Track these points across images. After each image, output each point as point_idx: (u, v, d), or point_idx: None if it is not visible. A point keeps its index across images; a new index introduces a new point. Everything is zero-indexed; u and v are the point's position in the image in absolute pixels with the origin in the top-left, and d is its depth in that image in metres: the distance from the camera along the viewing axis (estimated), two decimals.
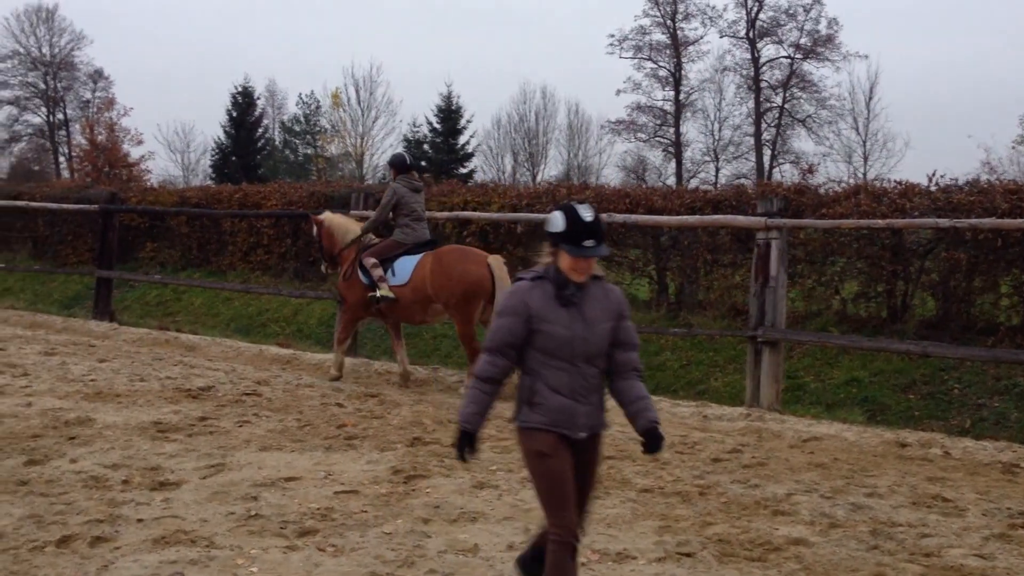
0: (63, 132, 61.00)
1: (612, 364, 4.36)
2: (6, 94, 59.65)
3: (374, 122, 51.99)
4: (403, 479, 6.76)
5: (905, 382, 10.83)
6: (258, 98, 56.13)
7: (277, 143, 59.53)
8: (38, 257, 21.90)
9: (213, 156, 54.22)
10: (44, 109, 60.64)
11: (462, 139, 50.73)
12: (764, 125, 54.07)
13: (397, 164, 11.31)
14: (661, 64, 55.63)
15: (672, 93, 55.15)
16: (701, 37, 56.30)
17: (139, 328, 15.41)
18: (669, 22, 55.25)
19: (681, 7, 54.96)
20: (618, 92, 56.41)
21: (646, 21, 55.38)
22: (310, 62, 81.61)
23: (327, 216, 11.67)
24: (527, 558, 4.64)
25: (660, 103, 55.64)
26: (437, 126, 50.04)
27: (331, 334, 13.82)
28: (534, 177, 52.23)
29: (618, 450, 7.64)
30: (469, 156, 51.27)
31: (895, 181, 12.63)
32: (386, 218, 11.04)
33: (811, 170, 20.67)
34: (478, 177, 47.94)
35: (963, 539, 5.84)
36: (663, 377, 11.97)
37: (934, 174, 12.23)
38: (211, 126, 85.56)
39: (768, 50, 54.22)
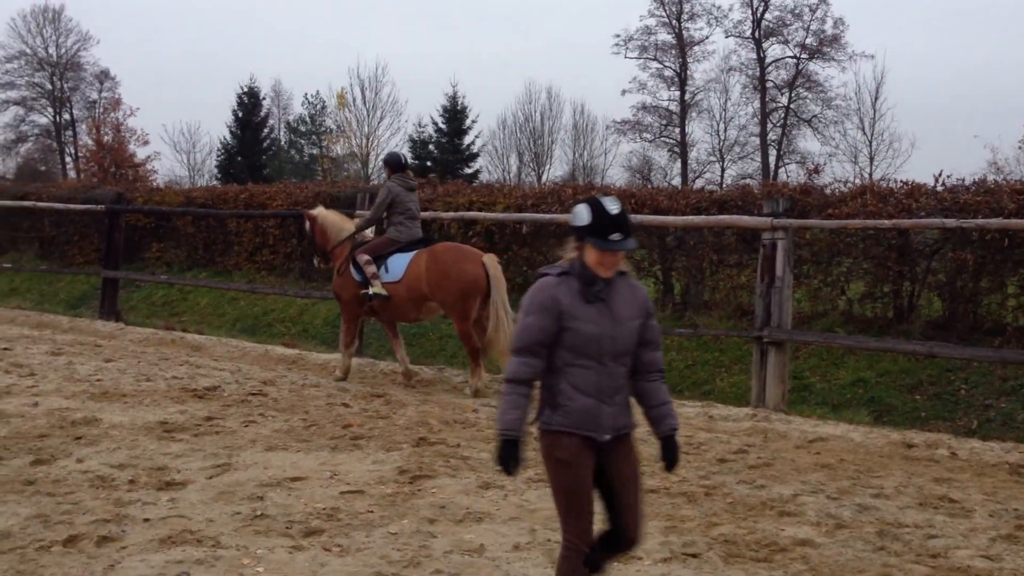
0: (69, 132, 61.11)
1: (637, 364, 4.21)
2: (13, 94, 59.81)
3: (379, 122, 52.00)
4: (409, 479, 6.76)
5: (911, 383, 10.82)
6: (264, 98, 56.14)
7: (283, 143, 59.55)
8: (45, 257, 21.94)
9: (219, 156, 54.25)
10: (50, 109, 60.77)
11: (467, 139, 50.72)
12: (770, 125, 54.00)
13: (392, 163, 11.36)
14: (666, 64, 55.61)
15: (677, 93, 55.11)
16: (706, 37, 56.12)
17: (145, 328, 15.43)
18: (674, 22, 55.21)
19: (686, 7, 54.94)
20: (623, 92, 56.43)
21: (651, 21, 55.38)
22: (316, 62, 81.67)
23: (320, 212, 11.72)
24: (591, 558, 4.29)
25: (665, 103, 55.62)
26: (442, 126, 50.02)
27: (336, 334, 13.82)
28: (539, 177, 52.22)
29: None
30: (474, 156, 51.27)
31: (901, 181, 12.62)
32: (381, 217, 11.07)
33: (817, 170, 20.59)
34: (483, 177, 47.96)
35: (970, 540, 5.83)
36: (669, 377, 11.80)
37: (940, 174, 12.23)
38: (217, 126, 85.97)
39: (774, 50, 54.20)
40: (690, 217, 12.39)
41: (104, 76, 60.78)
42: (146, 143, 55.15)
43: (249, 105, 53.83)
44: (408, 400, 9.89)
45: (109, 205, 17.17)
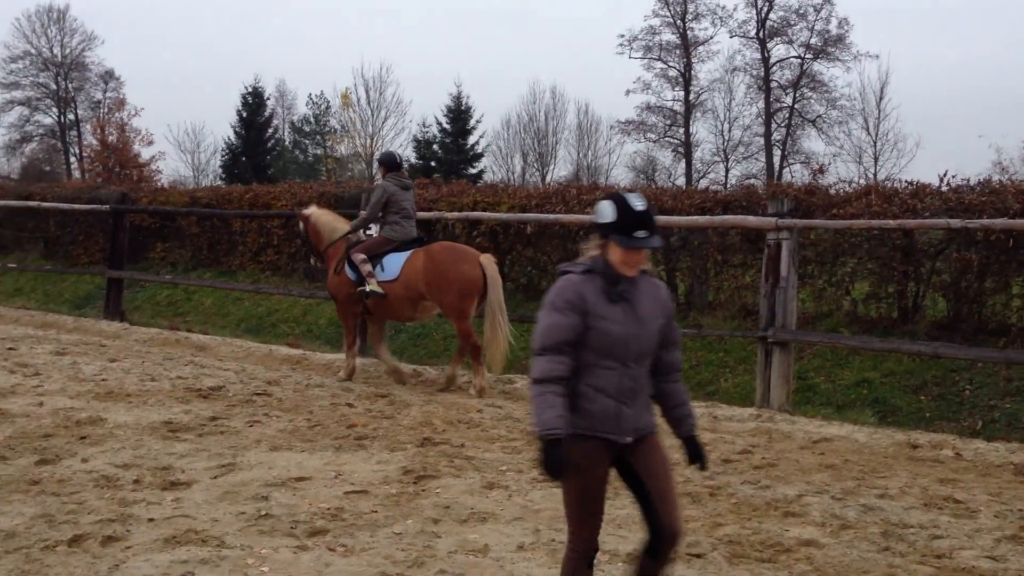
0: (74, 133, 61.24)
1: (658, 364, 4.12)
2: (17, 94, 59.95)
3: (384, 122, 52.10)
4: (413, 479, 6.76)
5: (916, 383, 10.80)
6: (268, 98, 56.25)
7: (287, 143, 59.64)
8: (49, 257, 21.95)
9: (223, 156, 54.34)
10: (55, 110, 60.86)
11: (472, 139, 50.78)
12: (774, 125, 54.00)
13: (387, 162, 11.45)
14: (671, 64, 55.62)
15: (682, 93, 55.11)
16: (711, 37, 56.16)
17: (150, 328, 15.44)
18: (679, 22, 55.21)
19: (691, 7, 54.93)
20: (628, 92, 56.52)
21: (656, 21, 55.38)
22: (320, 62, 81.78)
23: (313, 212, 11.77)
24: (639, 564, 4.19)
25: (670, 103, 55.63)
26: (447, 126, 50.07)
27: (341, 334, 13.84)
28: (543, 177, 52.24)
29: None
30: (479, 156, 51.31)
31: (906, 181, 12.59)
32: (377, 216, 11.09)
33: (822, 170, 20.62)
34: (487, 177, 47.97)
35: (975, 541, 5.82)
36: None
37: (945, 174, 12.20)
38: (221, 126, 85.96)
39: (778, 50, 54.20)
40: (694, 217, 12.38)
41: (109, 76, 60.95)
42: (150, 143, 55.35)
43: (253, 105, 53.91)
44: (412, 400, 9.89)
45: (113, 205, 17.19)
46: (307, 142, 59.65)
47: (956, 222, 9.87)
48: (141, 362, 11.51)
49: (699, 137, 55.81)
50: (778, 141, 54.00)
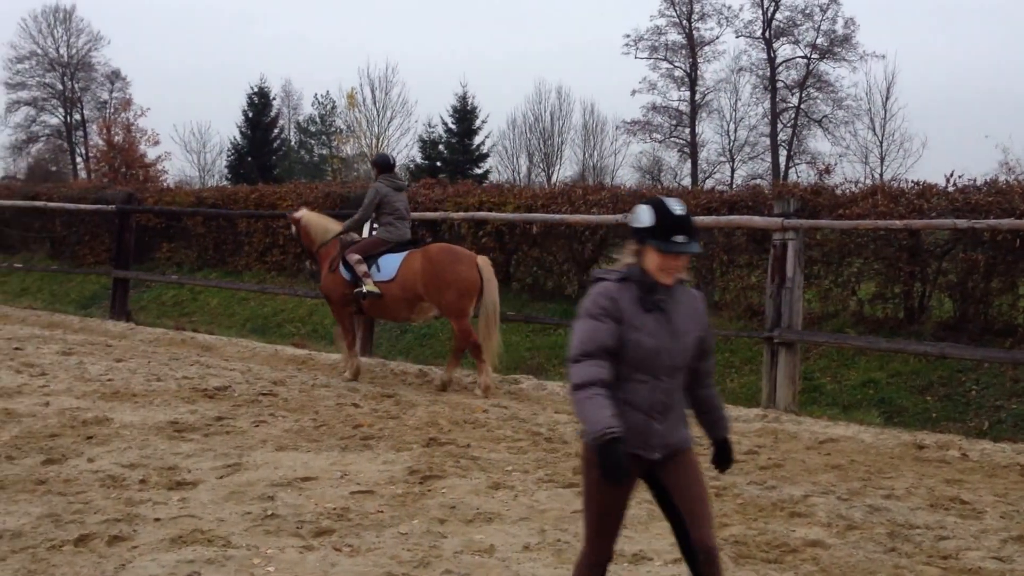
0: (80, 133, 61.35)
1: (693, 374, 3.97)
2: (24, 95, 60.10)
3: (389, 122, 52.11)
4: (419, 479, 6.76)
5: (922, 384, 10.79)
6: (274, 98, 56.33)
7: (293, 143, 59.69)
8: (56, 257, 22.00)
9: (229, 156, 54.42)
10: (61, 110, 61.03)
11: (477, 139, 50.80)
12: (780, 125, 54.00)
13: (381, 163, 11.52)
14: (677, 64, 55.69)
15: (688, 93, 55.17)
16: (717, 37, 56.18)
17: (156, 328, 15.46)
18: (685, 22, 55.27)
19: (697, 7, 55.01)
20: (633, 92, 56.48)
21: (662, 21, 55.47)
22: (326, 63, 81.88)
23: (304, 214, 11.83)
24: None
25: (676, 103, 55.70)
26: (452, 126, 50.09)
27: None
28: (549, 178, 52.27)
29: None
30: (484, 156, 51.33)
31: (912, 181, 12.58)
32: (369, 217, 11.13)
33: (828, 170, 20.59)
34: (493, 178, 48.03)
35: (981, 542, 5.81)
36: None
37: (952, 174, 12.19)
38: (227, 126, 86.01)
39: (784, 50, 54.24)
40: (700, 217, 12.35)
41: (115, 76, 61.09)
42: (156, 143, 55.49)
43: (259, 105, 53.99)
44: (418, 400, 9.89)
45: (120, 205, 17.21)
46: (313, 142, 59.69)
47: (962, 222, 9.86)
48: (147, 362, 11.52)
49: (705, 137, 55.95)
50: (784, 141, 54.02)
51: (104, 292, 18.28)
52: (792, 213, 10.42)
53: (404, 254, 10.83)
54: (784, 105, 54.16)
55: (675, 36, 55.56)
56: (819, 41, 53.12)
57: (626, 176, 53.81)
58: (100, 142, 55.38)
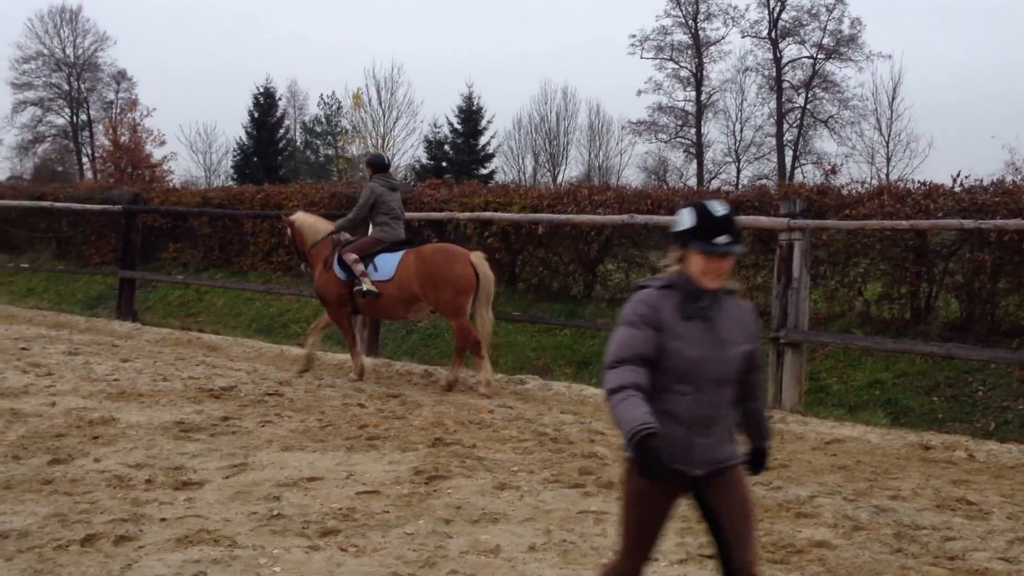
0: (86, 133, 61.48)
1: (742, 388, 3.82)
2: (30, 95, 60.22)
3: (395, 123, 52.05)
4: (425, 480, 6.76)
5: (929, 384, 10.77)
6: (280, 99, 56.31)
7: (298, 144, 59.72)
8: (62, 257, 22.03)
9: (235, 157, 54.42)
10: (68, 110, 61.12)
11: (483, 140, 50.73)
12: (786, 126, 53.96)
13: (375, 163, 11.59)
14: (682, 64, 55.66)
15: (693, 93, 55.12)
16: (723, 37, 56.17)
17: (161, 328, 15.48)
18: (691, 22, 55.24)
19: (703, 7, 54.96)
20: (639, 93, 56.49)
21: (667, 21, 55.45)
22: (331, 63, 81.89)
23: (297, 216, 11.91)
24: None
25: (681, 104, 55.68)
26: (458, 127, 50.04)
27: None
28: (555, 178, 52.26)
29: None
30: (490, 157, 51.28)
31: (919, 182, 12.55)
32: (364, 216, 11.16)
33: (834, 171, 20.53)
34: (499, 178, 47.97)
35: (988, 542, 5.80)
36: None
37: (958, 175, 12.16)
38: (233, 127, 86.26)
39: (790, 50, 54.19)
40: None
41: (121, 77, 61.19)
42: (162, 144, 55.48)
43: (265, 106, 53.99)
44: (424, 401, 9.90)
45: (126, 205, 17.25)
46: (318, 142, 59.74)
47: (969, 223, 9.84)
48: (153, 362, 11.54)
49: (711, 138, 55.87)
50: (790, 141, 53.96)
51: (110, 292, 18.31)
52: (798, 213, 10.41)
53: (401, 253, 10.88)
54: (790, 105, 54.10)
55: (681, 36, 55.59)
56: (825, 41, 53.08)
57: (632, 176, 53.84)
58: (106, 142, 55.45)
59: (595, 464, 7.36)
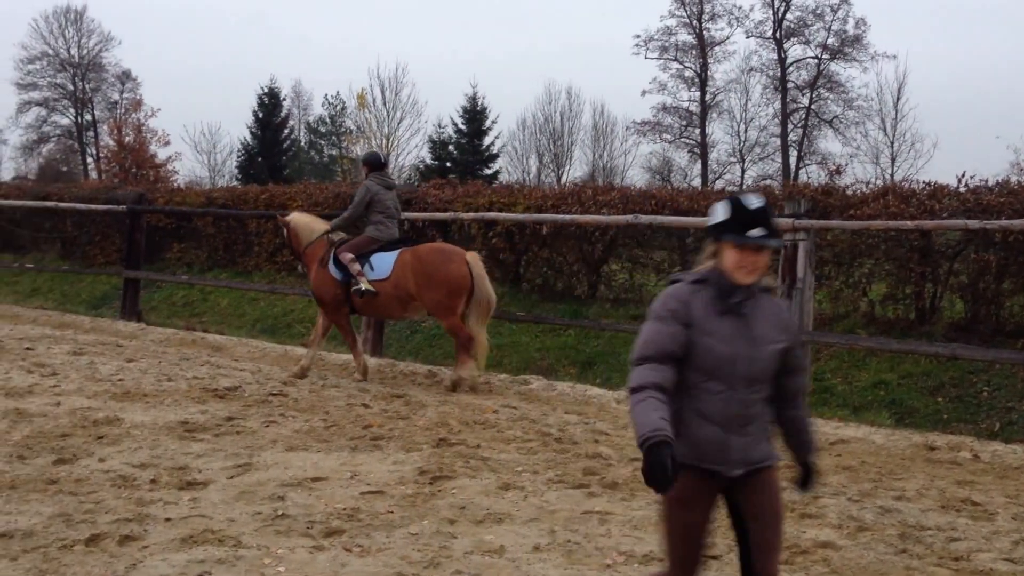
0: (91, 133, 61.54)
1: (782, 391, 3.73)
2: (35, 95, 60.36)
3: (399, 123, 52.08)
4: (429, 480, 6.76)
5: (933, 385, 10.75)
6: (284, 99, 56.42)
7: (303, 144, 59.78)
8: (66, 257, 22.04)
9: (239, 157, 54.50)
10: (72, 110, 61.23)
11: (487, 140, 50.79)
12: (791, 126, 53.94)
13: (371, 162, 11.59)
14: (687, 65, 55.66)
15: (698, 94, 55.14)
16: (727, 38, 56.22)
17: (166, 328, 15.50)
18: (695, 22, 55.24)
19: (707, 7, 54.98)
20: (643, 93, 56.59)
21: (672, 21, 55.47)
22: (336, 63, 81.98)
23: (293, 217, 11.93)
24: None
25: (686, 104, 55.70)
26: (462, 127, 50.08)
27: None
28: (559, 178, 52.26)
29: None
30: (494, 157, 51.32)
31: (924, 182, 12.52)
32: (360, 215, 11.17)
33: (838, 171, 20.52)
34: (503, 178, 47.99)
35: (992, 543, 5.79)
36: None
37: (963, 175, 12.13)
38: (237, 127, 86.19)
39: (795, 50, 54.18)
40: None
41: (126, 77, 61.30)
42: (167, 144, 55.59)
43: (269, 106, 54.07)
44: (428, 401, 9.90)
45: (130, 205, 17.26)
46: (323, 143, 59.82)
47: (974, 223, 9.82)
48: (158, 362, 11.55)
49: (715, 138, 55.91)
50: (794, 142, 53.96)
51: (115, 292, 18.33)
52: (803, 214, 10.39)
53: (397, 252, 10.89)
54: (795, 106, 54.09)
55: (685, 36, 55.60)
56: (830, 41, 53.07)
57: (636, 177, 53.86)
58: (111, 142, 55.50)
59: (599, 464, 7.36)
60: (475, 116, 49.86)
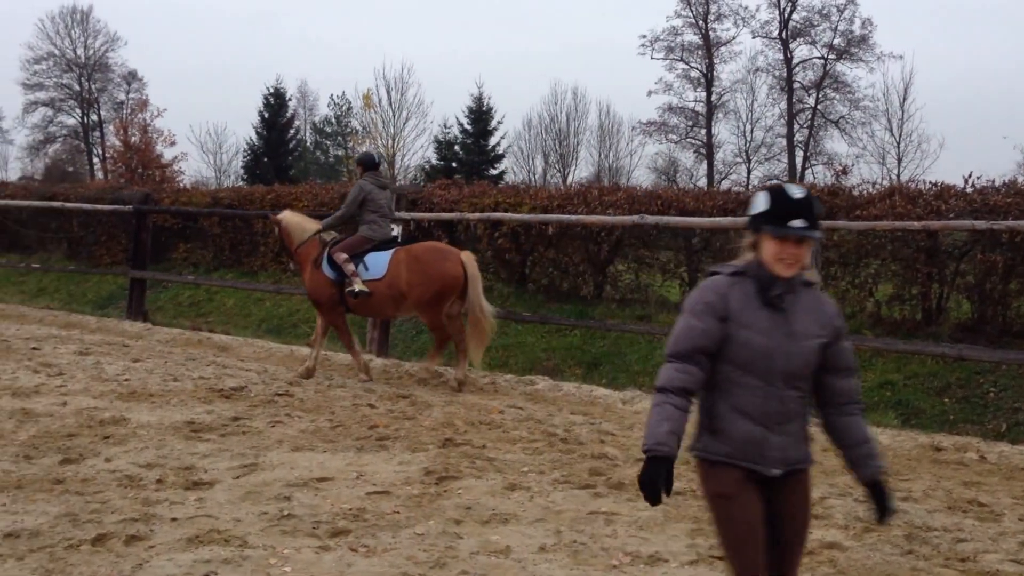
0: (97, 133, 61.64)
1: (828, 393, 3.61)
2: (41, 95, 60.45)
3: (405, 123, 52.00)
4: (435, 480, 6.76)
5: (940, 385, 10.74)
6: (290, 99, 56.38)
7: (308, 144, 59.78)
8: (72, 258, 22.08)
9: (245, 157, 54.51)
10: (78, 110, 61.32)
11: (493, 140, 50.73)
12: (797, 126, 53.87)
13: (365, 162, 11.68)
14: (693, 65, 55.65)
15: (704, 94, 55.11)
16: (733, 38, 56.12)
17: (172, 328, 15.51)
18: (701, 23, 55.20)
19: (713, 8, 54.97)
20: (649, 93, 56.75)
21: (678, 22, 55.45)
22: (342, 63, 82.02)
23: (284, 215, 11.92)
24: None
25: (692, 104, 55.67)
26: (468, 127, 50.05)
27: (362, 335, 13.87)
28: (565, 178, 52.24)
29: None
30: (500, 157, 51.27)
31: (930, 182, 12.51)
32: (353, 213, 11.22)
33: (845, 171, 20.48)
34: (509, 178, 48.00)
35: (999, 544, 5.78)
36: None
37: (970, 175, 12.11)
38: (243, 127, 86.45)
39: (801, 51, 54.12)
40: (717, 219, 12.34)
41: (132, 77, 61.38)
42: (173, 144, 55.61)
43: (275, 106, 54.07)
44: (434, 401, 9.89)
45: (136, 206, 17.27)
46: (328, 143, 59.79)
47: (981, 224, 9.81)
48: (164, 362, 11.56)
49: (721, 138, 55.83)
50: (800, 142, 53.88)
51: (121, 292, 18.35)
52: None
53: (391, 252, 10.92)
54: (801, 106, 54.01)
55: (691, 37, 55.58)
56: (836, 41, 53.00)
57: (642, 177, 53.84)
58: (117, 143, 55.55)
59: (605, 465, 7.35)
60: (481, 116, 49.83)
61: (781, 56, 53.99)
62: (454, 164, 47.28)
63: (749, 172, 54.68)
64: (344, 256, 10.90)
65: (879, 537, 5.83)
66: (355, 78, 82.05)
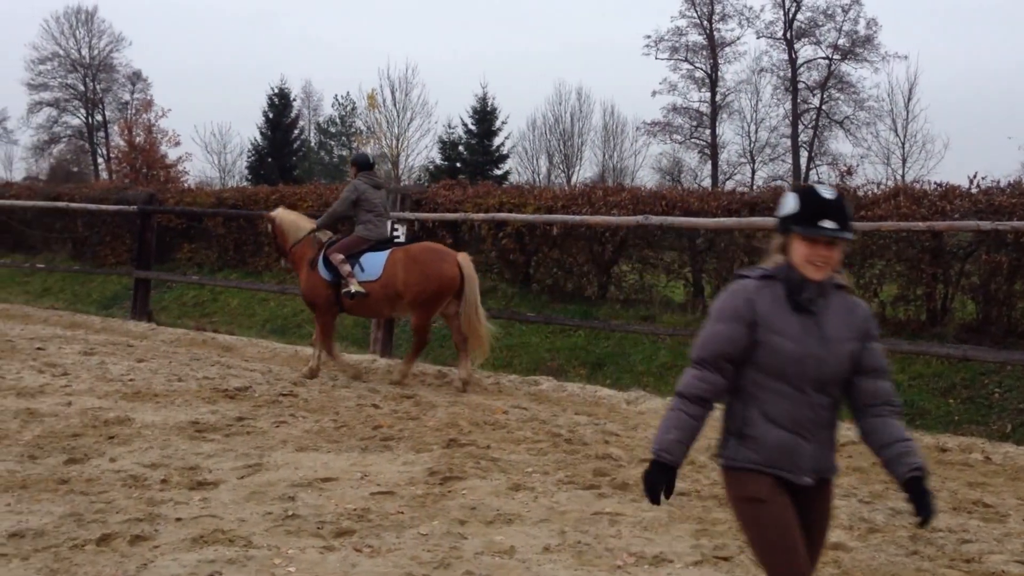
0: (101, 134, 61.72)
1: (858, 395, 3.50)
2: (46, 96, 60.55)
3: (409, 123, 51.98)
4: (439, 480, 6.76)
5: (945, 386, 10.73)
6: (294, 99, 56.46)
7: (312, 144, 59.82)
8: (77, 258, 22.09)
9: (249, 157, 54.56)
10: (83, 111, 61.39)
11: (497, 140, 50.72)
12: (801, 126, 53.80)
13: (360, 162, 11.70)
14: (697, 65, 55.57)
15: (708, 94, 55.03)
16: (738, 38, 56.29)
17: (176, 328, 15.52)
18: (706, 23, 55.14)
19: (718, 8, 54.88)
20: (654, 93, 56.69)
21: (682, 22, 55.40)
22: (346, 64, 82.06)
23: (279, 213, 11.92)
24: None
25: (696, 104, 55.59)
26: (472, 127, 50.04)
27: (367, 335, 13.88)
28: (569, 179, 52.21)
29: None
30: (504, 158, 51.26)
31: (935, 183, 12.49)
32: (344, 213, 11.25)
33: (849, 172, 20.51)
34: (513, 179, 47.98)
35: (1004, 545, 5.77)
36: None
37: (975, 176, 12.10)
38: (247, 127, 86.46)
39: (806, 51, 54.05)
40: (721, 219, 12.34)
41: (136, 77, 61.45)
42: (177, 144, 55.59)
43: (279, 106, 54.13)
44: (438, 401, 9.90)
45: (141, 206, 17.29)
46: (333, 143, 59.83)
47: (986, 224, 9.80)
48: (168, 362, 11.57)
49: (725, 138, 55.77)
50: (805, 142, 53.82)
51: (125, 292, 18.37)
52: None
53: (388, 252, 10.94)
54: (805, 106, 53.96)
55: (696, 37, 55.50)
56: (841, 42, 52.93)
57: (646, 177, 53.78)
58: (121, 143, 55.60)
59: (609, 465, 7.35)
60: (485, 116, 49.82)
61: (786, 56, 53.96)
62: (458, 164, 47.29)
63: (753, 172, 54.68)
64: (340, 257, 10.90)
65: (884, 538, 5.83)
66: (359, 78, 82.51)
